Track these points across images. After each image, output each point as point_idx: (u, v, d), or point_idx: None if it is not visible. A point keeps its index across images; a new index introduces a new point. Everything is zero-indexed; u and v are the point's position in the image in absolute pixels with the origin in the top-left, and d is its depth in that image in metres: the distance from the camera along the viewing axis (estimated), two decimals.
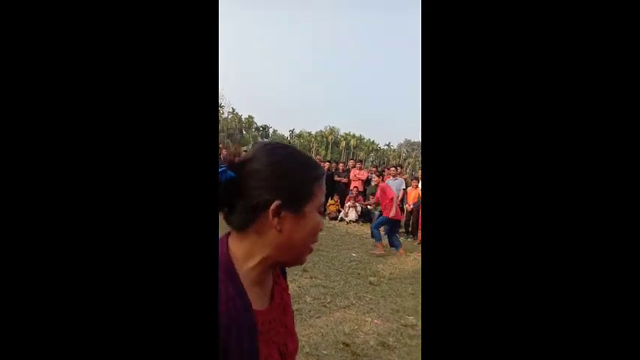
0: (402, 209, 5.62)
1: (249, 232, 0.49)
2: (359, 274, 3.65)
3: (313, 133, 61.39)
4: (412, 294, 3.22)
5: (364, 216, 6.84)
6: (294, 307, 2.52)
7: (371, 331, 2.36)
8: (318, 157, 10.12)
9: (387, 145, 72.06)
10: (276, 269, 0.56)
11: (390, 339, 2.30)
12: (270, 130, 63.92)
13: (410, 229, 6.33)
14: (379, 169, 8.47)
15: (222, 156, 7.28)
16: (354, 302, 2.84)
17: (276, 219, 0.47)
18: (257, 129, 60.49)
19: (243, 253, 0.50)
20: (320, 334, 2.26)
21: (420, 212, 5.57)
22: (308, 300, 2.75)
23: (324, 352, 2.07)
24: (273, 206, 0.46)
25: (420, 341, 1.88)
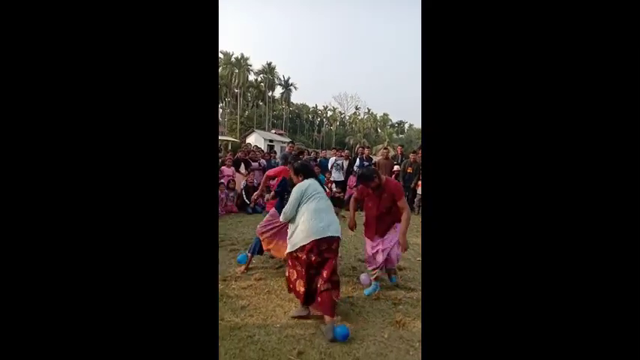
0: None
1: None
2: None
3: None
4: None
5: None
6: None
7: None
8: None
9: None
10: None
11: None
12: (406, 125, 61.69)
13: None
14: None
15: (364, 155, 7.55)
16: None
17: None
18: (392, 126, 59.69)
19: None
20: None
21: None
22: None
23: None
24: None
25: None
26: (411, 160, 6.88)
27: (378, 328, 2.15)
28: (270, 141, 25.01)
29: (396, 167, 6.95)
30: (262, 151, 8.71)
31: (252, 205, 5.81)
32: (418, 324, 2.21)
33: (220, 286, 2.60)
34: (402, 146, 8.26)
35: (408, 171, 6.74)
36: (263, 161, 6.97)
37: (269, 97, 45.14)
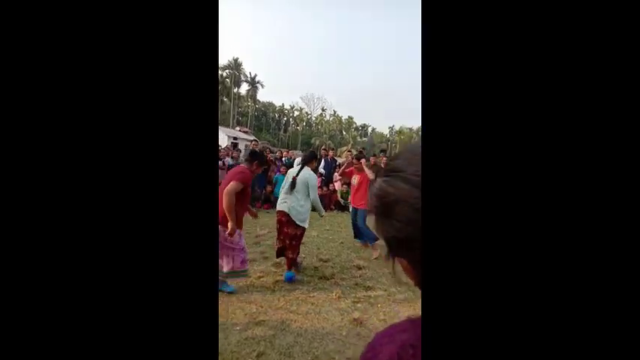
0: None
1: None
2: None
3: (415, 128, 57.89)
4: None
5: None
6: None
7: None
8: None
9: None
10: None
11: None
12: (369, 129, 63.63)
13: None
14: None
15: (329, 157, 7.68)
16: None
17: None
18: (356, 129, 61.17)
19: None
20: None
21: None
22: None
23: None
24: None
25: None
26: (372, 162, 7.14)
27: (337, 326, 2.22)
28: (235, 138, 24.30)
29: None
30: (230, 148, 8.45)
31: None
32: (375, 321, 2.32)
33: None
34: (364, 149, 8.54)
35: None
36: (228, 159, 6.77)
37: (234, 94, 43.78)
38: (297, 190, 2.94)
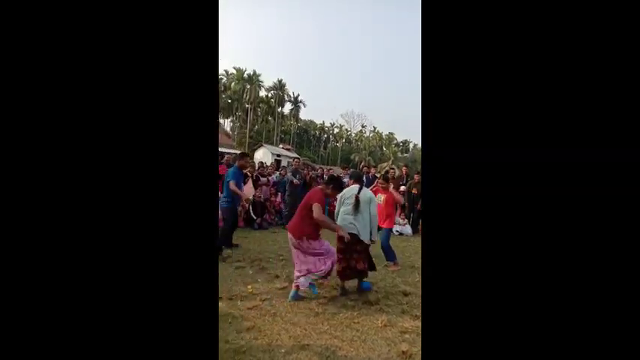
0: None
1: None
2: None
3: None
4: None
5: None
6: None
7: None
8: None
9: None
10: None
11: None
12: (411, 145, 61.92)
13: None
14: None
15: (370, 174, 7.58)
16: None
17: None
18: (397, 145, 59.92)
19: None
20: None
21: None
22: None
23: None
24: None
25: None
26: (416, 180, 6.87)
27: (383, 358, 2.11)
28: (278, 155, 25.26)
29: (402, 187, 6.94)
30: (274, 165, 8.83)
31: (258, 221, 5.83)
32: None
33: (226, 306, 2.58)
34: (407, 166, 8.29)
35: (414, 192, 6.72)
36: (273, 177, 7.00)
37: (278, 113, 45.88)
38: (360, 210, 3.01)
